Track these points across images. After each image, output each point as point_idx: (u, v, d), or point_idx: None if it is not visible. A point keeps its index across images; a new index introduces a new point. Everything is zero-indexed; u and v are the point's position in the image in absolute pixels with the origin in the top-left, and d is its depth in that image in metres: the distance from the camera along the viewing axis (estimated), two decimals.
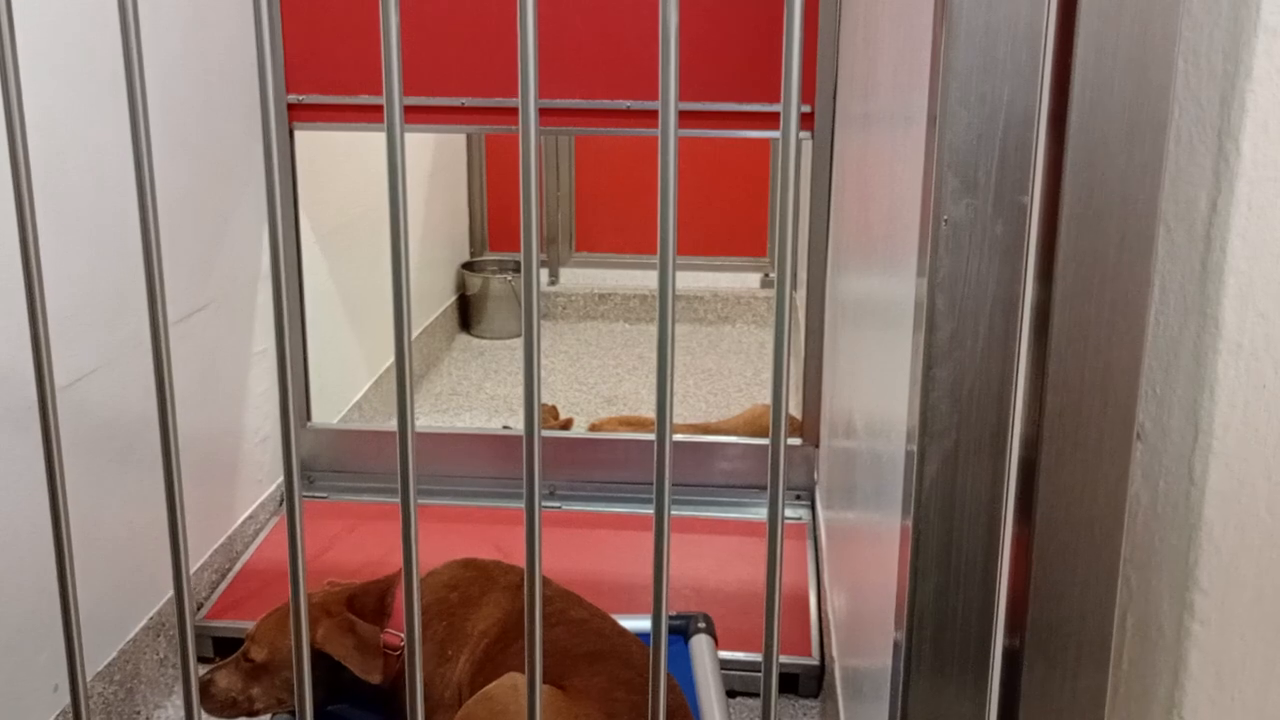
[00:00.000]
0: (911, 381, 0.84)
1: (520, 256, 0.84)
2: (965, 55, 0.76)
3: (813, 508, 2.55)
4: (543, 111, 2.44)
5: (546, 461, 2.60)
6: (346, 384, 3.07)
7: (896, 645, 0.88)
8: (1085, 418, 0.79)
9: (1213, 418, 0.79)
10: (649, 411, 3.44)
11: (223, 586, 2.27)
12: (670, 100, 0.79)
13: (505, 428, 3.13)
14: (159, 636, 2.03)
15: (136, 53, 0.82)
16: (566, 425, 3.11)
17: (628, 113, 2.43)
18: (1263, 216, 0.75)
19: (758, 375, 3.95)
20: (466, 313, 4.38)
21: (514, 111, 2.29)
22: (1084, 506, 0.80)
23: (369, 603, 1.84)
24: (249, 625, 1.87)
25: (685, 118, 2.41)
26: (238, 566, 2.34)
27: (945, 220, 0.78)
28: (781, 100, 0.77)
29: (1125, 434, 0.79)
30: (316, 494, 2.62)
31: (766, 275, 4.60)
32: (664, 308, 0.81)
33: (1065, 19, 0.75)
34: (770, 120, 2.41)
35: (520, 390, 3.54)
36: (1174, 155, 0.78)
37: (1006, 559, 0.83)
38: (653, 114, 2.40)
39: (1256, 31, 0.73)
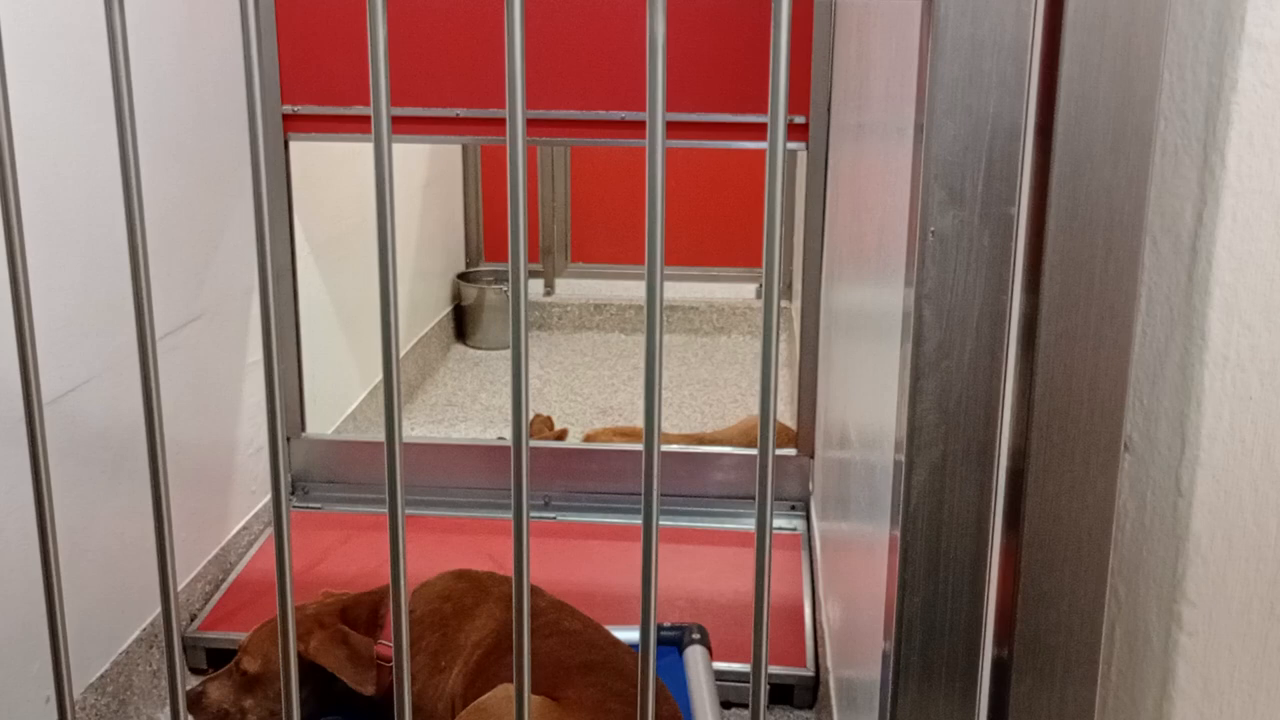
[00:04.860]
0: (900, 392, 0.85)
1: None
2: (951, 67, 0.76)
3: (808, 518, 2.55)
4: (537, 122, 2.44)
5: (541, 472, 2.60)
6: (341, 394, 3.07)
7: (885, 656, 0.88)
8: (1073, 429, 0.79)
9: (1199, 429, 0.79)
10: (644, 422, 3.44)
11: (216, 598, 2.26)
12: (657, 111, 0.79)
13: (500, 438, 3.12)
14: (152, 648, 2.03)
15: (124, 64, 0.82)
16: (561, 436, 3.11)
17: (622, 123, 2.43)
18: (1248, 228, 0.76)
19: (753, 386, 3.95)
20: (462, 323, 4.38)
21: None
22: (1072, 517, 0.80)
23: (362, 614, 1.84)
24: (242, 636, 1.87)
25: (680, 129, 2.41)
26: (231, 578, 2.33)
27: (932, 232, 0.78)
28: (769, 115, 0.78)
29: (1113, 445, 0.79)
30: (310, 505, 2.62)
31: (762, 286, 4.61)
32: (652, 320, 0.81)
33: (1050, 31, 0.75)
34: (765, 131, 2.41)
35: None
36: (1159, 167, 0.78)
37: (995, 570, 0.83)
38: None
39: (1241, 44, 0.74)
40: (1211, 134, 0.76)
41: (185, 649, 2.14)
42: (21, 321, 0.88)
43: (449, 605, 1.83)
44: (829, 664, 1.89)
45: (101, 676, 1.89)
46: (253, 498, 2.49)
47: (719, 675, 1.97)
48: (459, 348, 4.34)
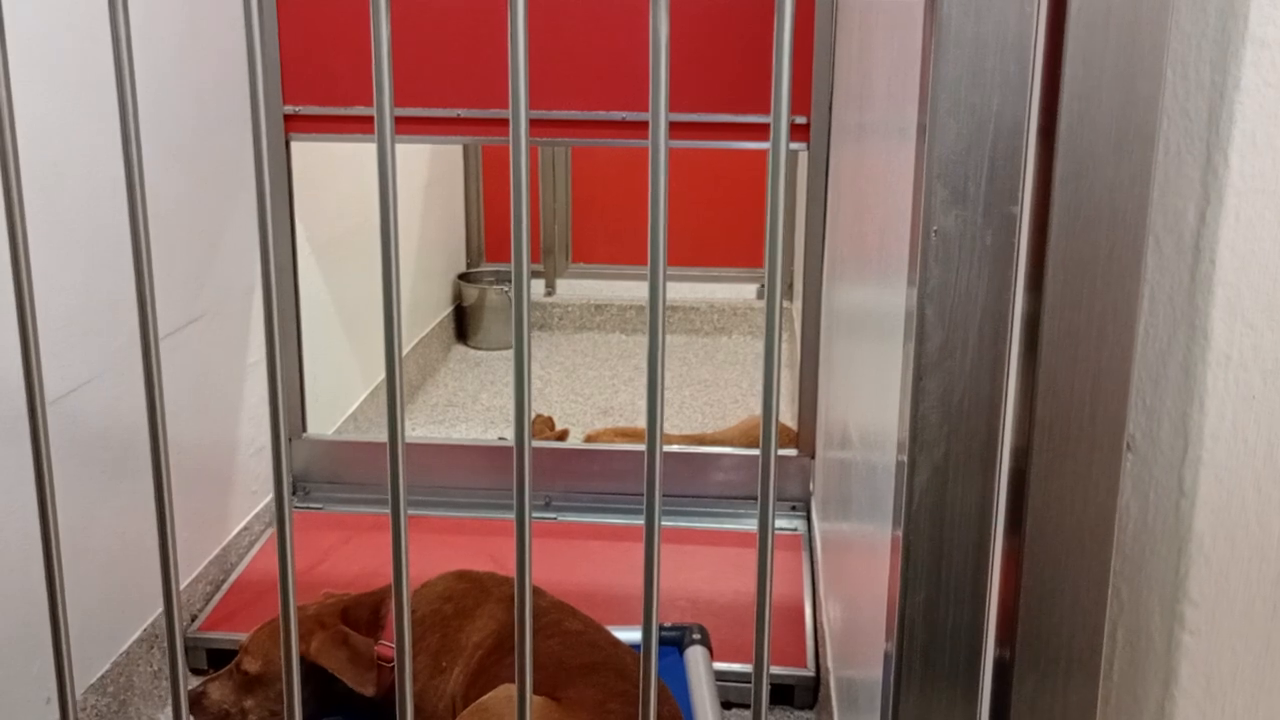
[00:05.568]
0: (901, 392, 0.84)
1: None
2: (954, 65, 0.76)
3: (808, 519, 2.55)
4: (538, 122, 2.44)
5: (542, 472, 2.60)
6: (342, 395, 3.07)
7: (887, 656, 0.88)
8: (1075, 429, 0.79)
9: (1202, 429, 0.79)
10: (645, 423, 3.44)
11: (217, 598, 2.26)
12: (660, 111, 0.79)
13: (501, 439, 3.12)
14: (152, 649, 2.03)
15: (128, 64, 0.82)
16: (562, 436, 3.10)
17: (623, 124, 2.43)
18: (1251, 228, 0.75)
19: (754, 386, 3.95)
20: (463, 324, 4.38)
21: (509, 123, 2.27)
22: (1074, 517, 0.80)
23: (363, 615, 1.84)
24: (243, 637, 1.87)
25: (681, 129, 2.41)
26: (232, 578, 2.33)
27: (935, 231, 0.78)
28: (772, 115, 0.78)
29: (1115, 445, 0.79)
30: (311, 505, 2.62)
31: (763, 286, 4.60)
32: (654, 321, 0.81)
33: (1054, 30, 0.75)
34: (766, 132, 2.41)
35: None
36: (1162, 166, 0.78)
37: (997, 570, 0.83)
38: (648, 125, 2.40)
39: (1244, 43, 0.74)
40: (1215, 133, 0.76)
41: (186, 649, 2.14)
42: (25, 322, 0.88)
43: (450, 606, 1.83)
44: (830, 664, 1.89)
45: (102, 677, 1.89)
46: (254, 498, 2.49)
47: (719, 675, 1.96)
48: (460, 348, 4.34)
